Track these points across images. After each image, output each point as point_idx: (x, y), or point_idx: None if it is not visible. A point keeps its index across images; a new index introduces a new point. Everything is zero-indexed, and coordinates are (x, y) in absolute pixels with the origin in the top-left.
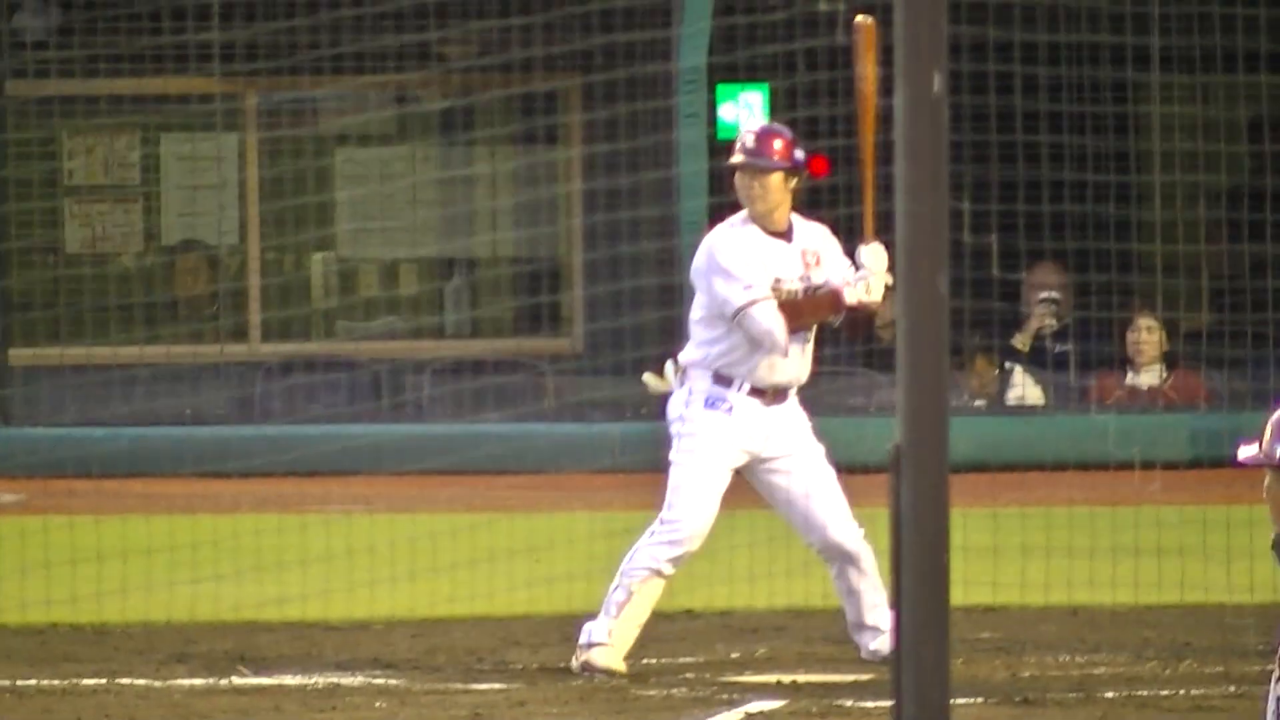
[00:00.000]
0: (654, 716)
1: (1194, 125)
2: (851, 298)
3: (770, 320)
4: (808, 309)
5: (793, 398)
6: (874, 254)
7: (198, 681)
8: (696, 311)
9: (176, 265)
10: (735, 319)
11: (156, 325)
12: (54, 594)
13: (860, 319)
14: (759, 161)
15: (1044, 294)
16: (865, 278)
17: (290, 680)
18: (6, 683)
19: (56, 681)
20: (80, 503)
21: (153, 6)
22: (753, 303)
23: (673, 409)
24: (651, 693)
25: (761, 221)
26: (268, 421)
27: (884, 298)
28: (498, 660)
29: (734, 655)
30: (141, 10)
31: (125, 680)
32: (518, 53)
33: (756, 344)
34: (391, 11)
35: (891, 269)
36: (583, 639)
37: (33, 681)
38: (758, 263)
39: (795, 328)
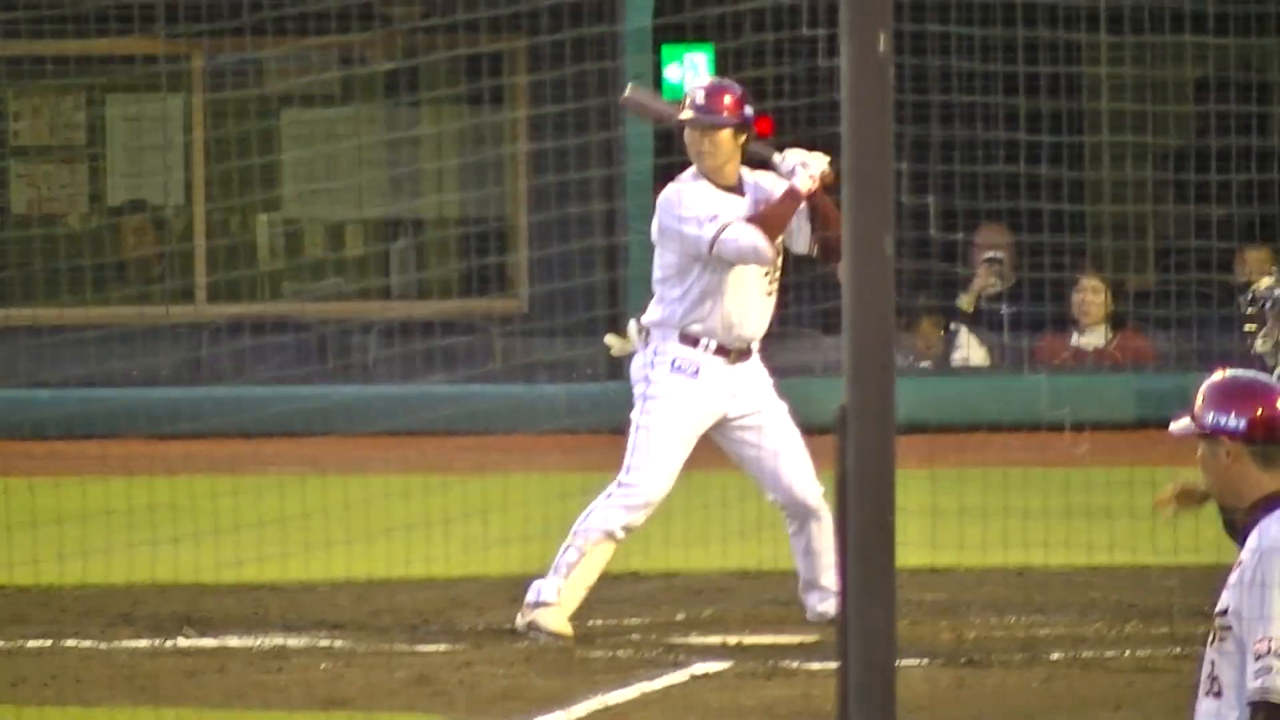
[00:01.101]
0: (600, 678)
1: (1140, 86)
2: (803, 184)
3: (747, 235)
4: (773, 214)
5: (755, 356)
6: (794, 153)
7: (143, 643)
8: (658, 271)
9: (122, 226)
10: (712, 251)
11: (103, 287)
12: None
13: (831, 236)
14: (709, 118)
15: (988, 254)
16: (800, 164)
17: (236, 642)
18: None
19: (2, 643)
20: (27, 465)
21: None
22: (723, 228)
23: (636, 370)
24: (597, 654)
25: (712, 176)
26: (215, 383)
27: (824, 178)
28: (444, 622)
29: (680, 617)
30: None
31: (71, 642)
32: (463, 14)
33: (744, 262)
34: None
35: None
36: (530, 598)
37: None
38: (716, 204)
39: (771, 235)
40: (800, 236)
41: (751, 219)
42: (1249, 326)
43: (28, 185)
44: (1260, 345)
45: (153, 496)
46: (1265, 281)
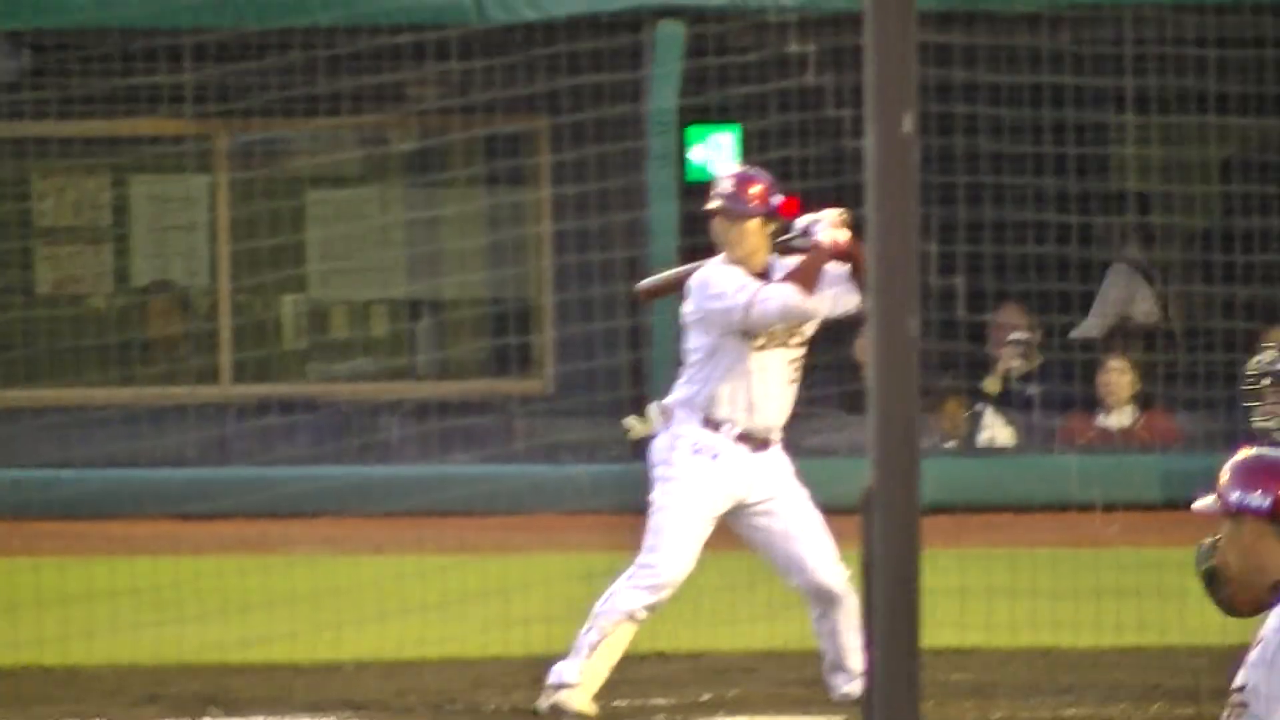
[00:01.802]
0: None
1: (1167, 166)
2: (825, 237)
3: (781, 292)
4: (803, 268)
5: (777, 445)
6: (808, 218)
7: None
8: (692, 356)
9: (147, 306)
10: (748, 316)
11: (128, 366)
12: (22, 636)
13: (856, 262)
14: (737, 208)
15: (1014, 335)
16: (817, 222)
17: None
18: None
19: None
20: (54, 544)
21: (124, 48)
22: (756, 292)
23: (656, 452)
24: None
25: (741, 265)
26: (238, 463)
27: (846, 226)
28: (468, 702)
29: (705, 697)
30: (112, 52)
31: None
32: (485, 94)
33: (785, 320)
34: (361, 53)
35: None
36: (552, 679)
37: None
38: (750, 283)
39: (806, 289)
40: (847, 297)
41: (784, 278)
42: (1247, 403)
43: (53, 266)
44: (1259, 422)
45: (178, 576)
46: (1264, 356)
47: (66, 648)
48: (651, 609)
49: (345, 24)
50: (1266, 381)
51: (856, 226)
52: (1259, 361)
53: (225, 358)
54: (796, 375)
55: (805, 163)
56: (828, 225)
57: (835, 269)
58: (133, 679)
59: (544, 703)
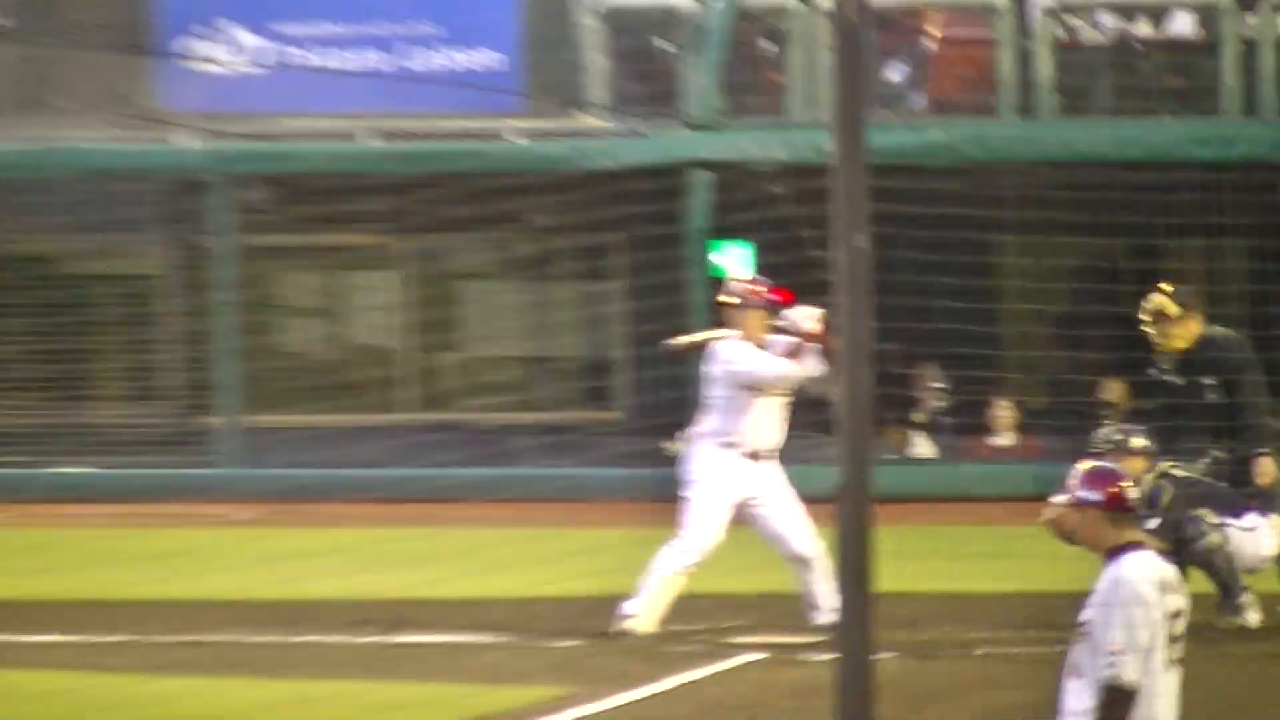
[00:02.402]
0: (675, 664)
1: (1037, 271)
2: (806, 326)
3: (775, 365)
4: (790, 351)
5: (772, 459)
6: (794, 311)
7: None
8: (713, 399)
9: (354, 359)
10: (754, 379)
11: (342, 399)
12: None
13: (825, 343)
14: (746, 301)
15: (933, 384)
16: (801, 316)
17: None
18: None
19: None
20: (305, 517)
21: (335, 184)
22: (759, 363)
23: (688, 463)
24: (673, 649)
25: (748, 341)
26: (413, 465)
27: (820, 321)
28: (574, 625)
29: (730, 624)
30: (327, 186)
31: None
32: (580, 216)
33: (780, 383)
34: (494, 187)
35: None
36: (622, 612)
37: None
38: (753, 354)
39: (793, 363)
40: (818, 366)
41: (780, 356)
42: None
43: (293, 332)
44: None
45: (375, 539)
46: (1105, 430)
47: (353, 582)
48: (689, 566)
49: (483, 169)
50: (1109, 447)
51: (826, 318)
52: (1103, 435)
53: (406, 394)
54: (785, 413)
55: (792, 267)
56: (808, 318)
57: (810, 346)
58: (377, 610)
59: (615, 627)
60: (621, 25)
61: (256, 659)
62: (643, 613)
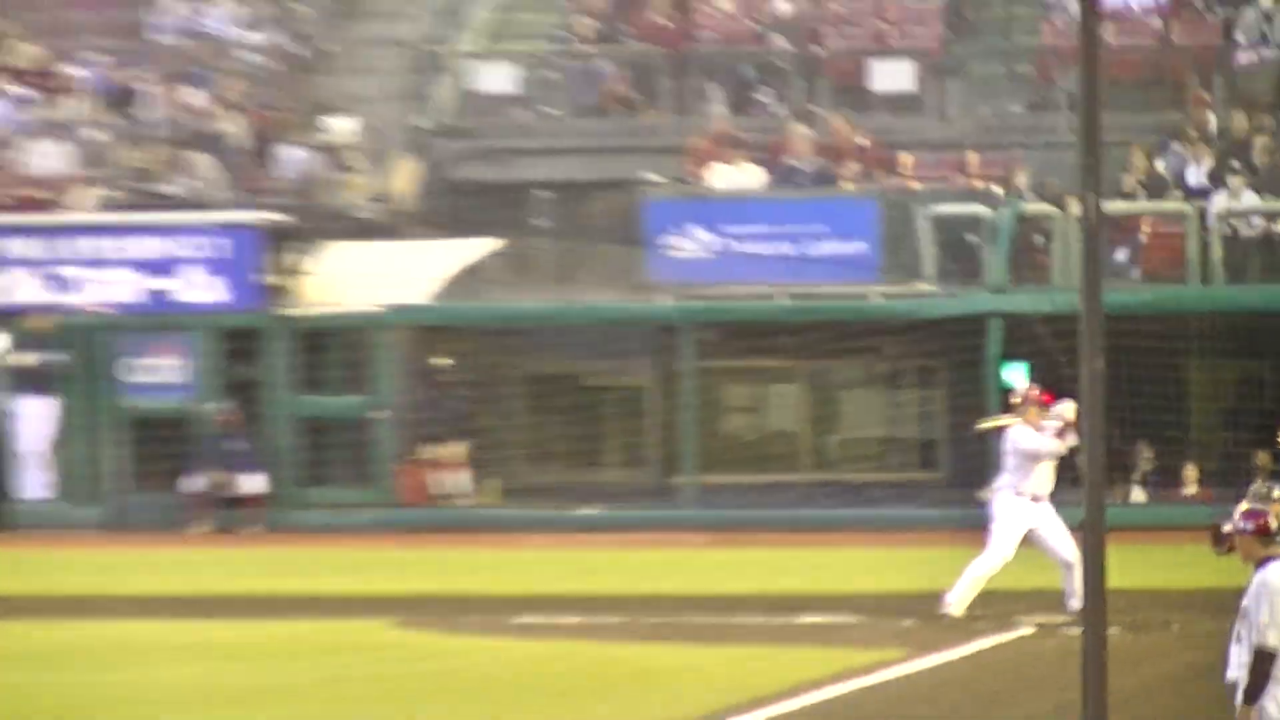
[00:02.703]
0: (974, 635)
1: (1210, 381)
2: (1069, 415)
3: (1050, 444)
4: (1059, 430)
5: (1046, 500)
6: (1058, 406)
7: None
8: (1008, 462)
9: (771, 439)
10: (1038, 453)
11: (763, 464)
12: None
13: (1076, 426)
14: (1025, 405)
15: (1144, 454)
16: (1062, 410)
17: None
18: None
19: None
20: (736, 542)
21: (759, 328)
22: (1041, 442)
23: (993, 506)
24: (974, 625)
25: (1030, 425)
26: (808, 508)
27: (1074, 413)
28: (900, 614)
29: (1012, 609)
30: (754, 329)
31: None
32: (917, 347)
33: (1053, 455)
34: (863, 330)
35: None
36: (944, 600)
37: None
38: (1035, 435)
39: (1061, 442)
40: (1073, 441)
41: (1051, 436)
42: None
43: (732, 421)
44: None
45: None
46: (1253, 487)
47: (769, 583)
48: (991, 571)
49: (854, 318)
50: (1258, 495)
51: (1076, 411)
52: (1254, 489)
53: (804, 461)
54: (1053, 471)
55: (1054, 379)
56: (1067, 410)
57: (1069, 429)
58: (784, 601)
59: (940, 610)
60: (943, 224)
61: (699, 633)
62: (957, 601)
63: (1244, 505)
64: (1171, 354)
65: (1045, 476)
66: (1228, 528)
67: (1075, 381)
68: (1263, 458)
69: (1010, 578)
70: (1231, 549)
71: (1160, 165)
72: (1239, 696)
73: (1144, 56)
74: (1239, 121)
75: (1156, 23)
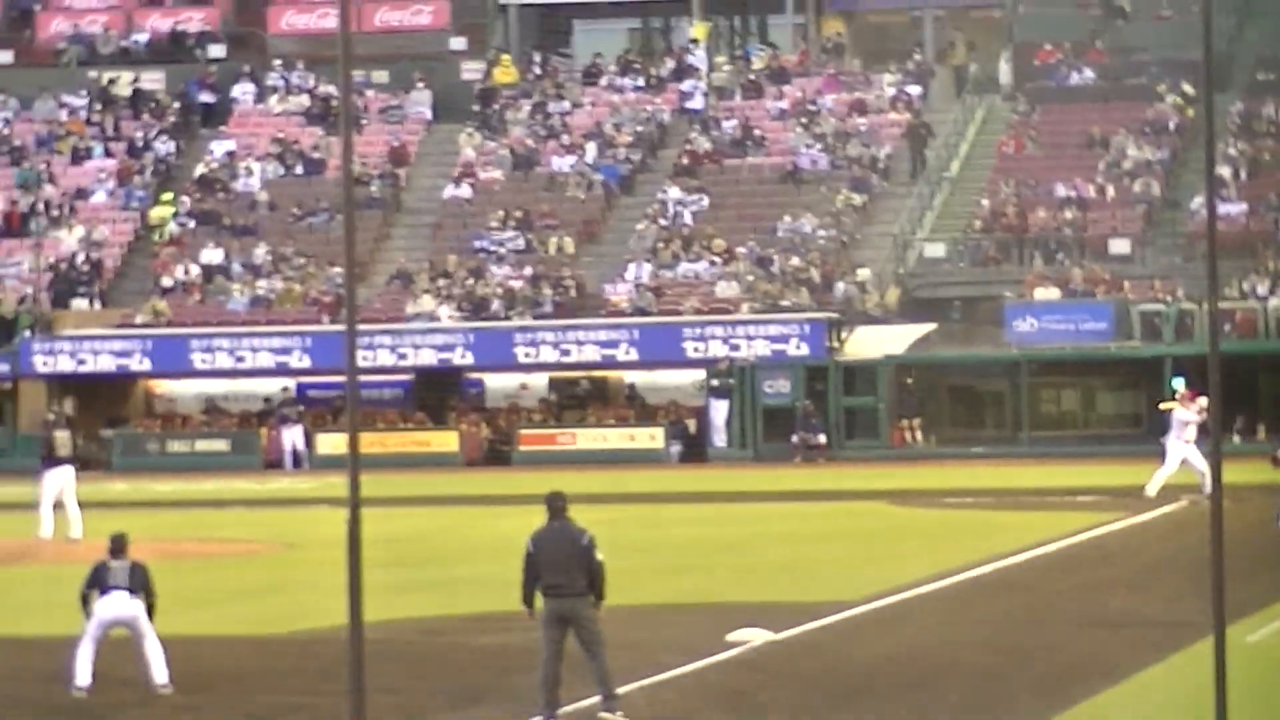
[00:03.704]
0: (1159, 504)
1: None
2: (1204, 403)
3: (1192, 416)
4: (1201, 415)
5: (1192, 444)
6: (1202, 399)
7: None
8: (1174, 424)
9: None
10: (1190, 421)
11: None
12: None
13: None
14: (1183, 397)
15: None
16: (1201, 402)
17: None
18: None
19: None
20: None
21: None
22: (1190, 416)
23: (1166, 444)
24: (1159, 500)
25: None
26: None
27: (1207, 403)
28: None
29: (1179, 493)
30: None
31: None
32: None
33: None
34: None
35: None
36: (1147, 488)
37: None
38: (1187, 414)
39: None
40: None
41: (1195, 414)
42: None
43: None
44: None
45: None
46: None
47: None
48: (1167, 474)
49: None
50: None
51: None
52: None
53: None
54: (1196, 430)
55: (1200, 386)
56: (1203, 401)
57: (1203, 410)
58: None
59: (1146, 494)
60: (1142, 315)
61: (1031, 505)
62: (1152, 490)
63: None
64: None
65: (1191, 433)
66: (1278, 454)
67: (1206, 386)
68: None
69: (1173, 479)
70: (1278, 465)
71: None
72: None
73: None
74: None
75: None
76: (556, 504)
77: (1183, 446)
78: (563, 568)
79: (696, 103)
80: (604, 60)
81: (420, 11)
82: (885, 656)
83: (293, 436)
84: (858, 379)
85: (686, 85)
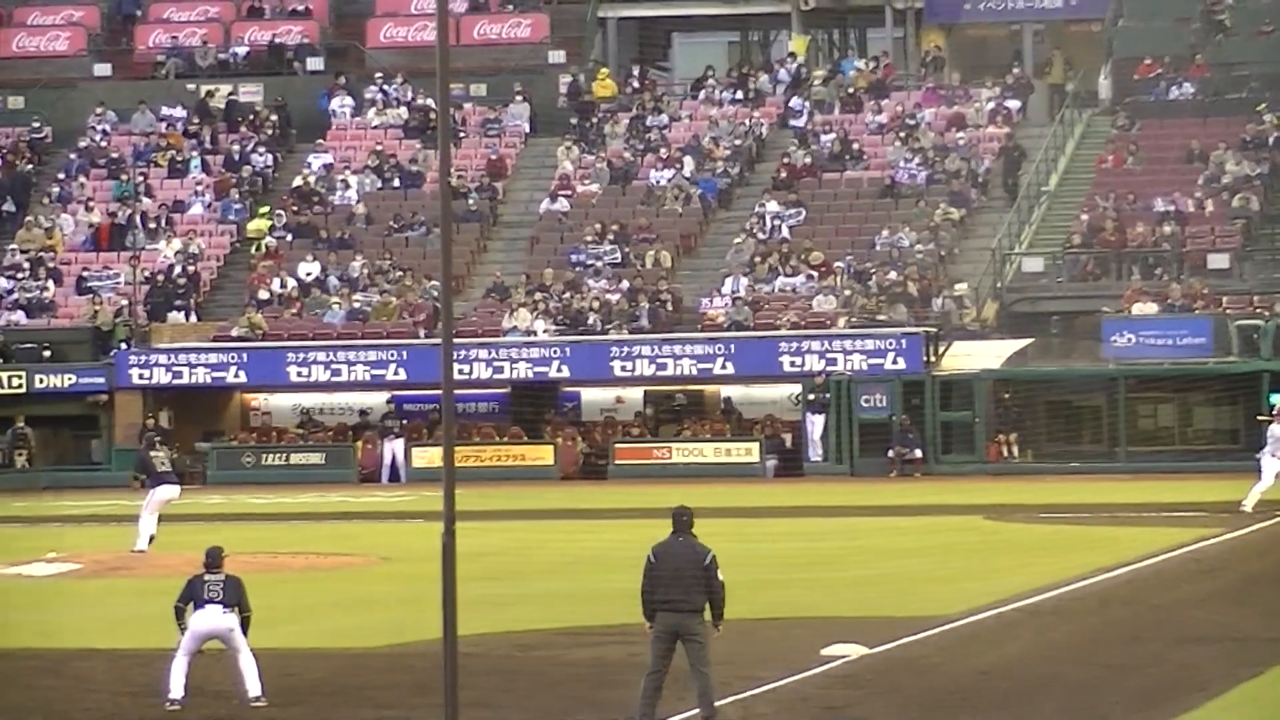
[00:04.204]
0: (1256, 520)
1: None
2: None
3: None
4: None
5: None
6: None
7: None
8: (1271, 437)
9: None
10: None
11: None
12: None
13: None
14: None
15: None
16: None
17: None
18: None
19: None
20: None
21: None
22: None
23: (1261, 459)
24: (1255, 516)
25: None
26: None
27: None
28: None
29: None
30: None
31: None
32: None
33: None
34: None
35: None
36: (1244, 503)
37: None
38: None
39: None
40: None
41: None
42: None
43: None
44: None
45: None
46: None
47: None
48: (1264, 488)
49: None
50: None
51: None
52: None
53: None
54: None
55: None
56: None
57: None
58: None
59: (1242, 508)
60: (1241, 330)
61: (1125, 520)
62: (1249, 504)
63: None
64: None
65: None
66: None
67: None
68: None
69: (1270, 493)
70: None
71: None
72: None
73: None
74: None
75: None
76: (682, 518)
77: (1276, 460)
78: (681, 583)
79: (795, 116)
80: (708, 73)
81: (519, 24)
82: (982, 671)
83: (393, 449)
84: (954, 393)
85: (786, 98)
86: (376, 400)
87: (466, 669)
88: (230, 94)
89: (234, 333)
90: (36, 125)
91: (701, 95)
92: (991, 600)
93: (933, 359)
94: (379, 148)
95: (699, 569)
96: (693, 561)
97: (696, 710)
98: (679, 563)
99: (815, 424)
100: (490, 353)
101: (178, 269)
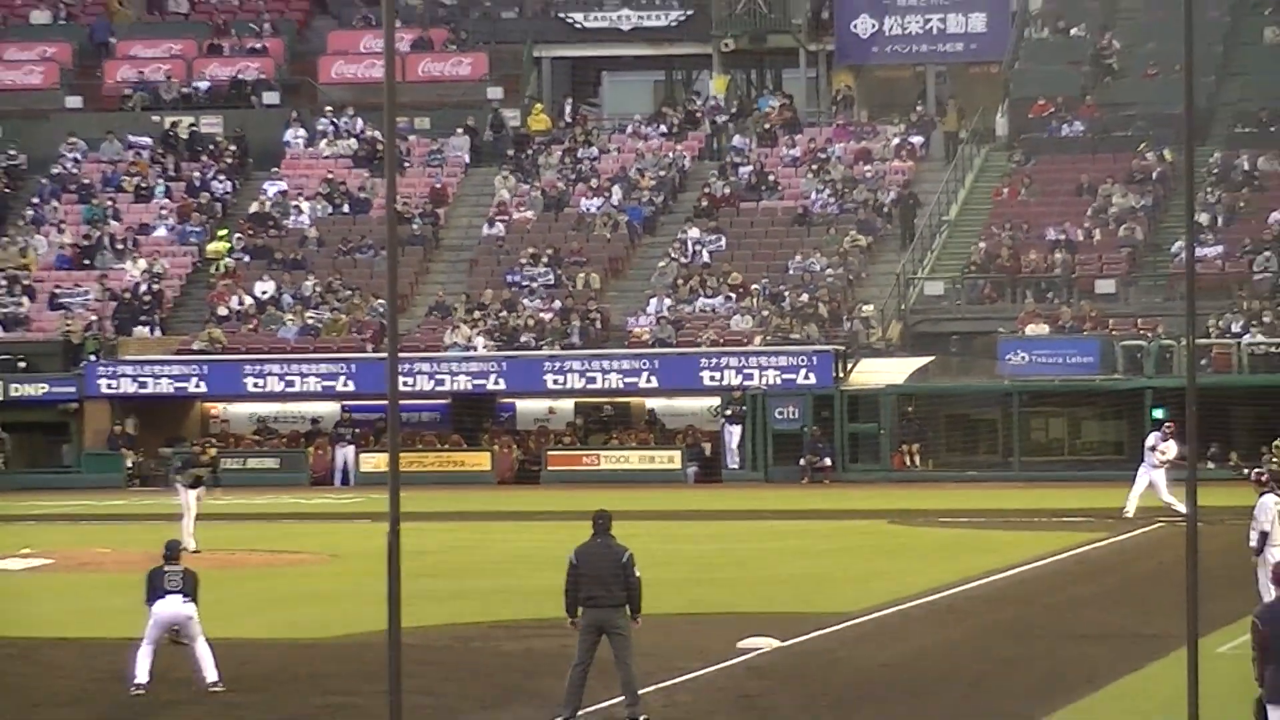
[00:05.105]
0: (1136, 526)
1: None
2: (1173, 450)
3: (1171, 448)
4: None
5: (1166, 468)
6: (1173, 444)
7: None
8: (1151, 450)
9: None
10: (1168, 451)
11: None
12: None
13: None
14: (1162, 428)
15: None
16: (1171, 443)
17: None
18: None
19: None
20: None
21: None
22: (1169, 448)
23: (1140, 470)
24: (1135, 521)
25: None
26: None
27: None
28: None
29: (1152, 515)
30: None
31: None
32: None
33: None
34: None
35: None
36: (1125, 508)
37: None
38: (1165, 443)
39: None
40: None
41: (1174, 443)
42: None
43: None
44: None
45: None
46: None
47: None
48: (1139, 493)
49: None
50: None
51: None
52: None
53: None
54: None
55: (1179, 418)
56: (1172, 447)
57: (1178, 439)
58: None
59: (1124, 513)
60: (1126, 350)
61: (1016, 525)
62: (1129, 508)
63: (1257, 469)
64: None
65: (1169, 456)
66: (1250, 475)
67: (1184, 416)
68: (1272, 449)
69: (1146, 500)
70: (1259, 485)
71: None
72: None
73: None
74: None
75: None
76: (601, 521)
77: (1151, 470)
78: (602, 581)
79: (714, 150)
80: (631, 110)
81: (461, 63)
82: (885, 664)
83: (345, 454)
84: (861, 407)
85: (706, 133)
86: (327, 409)
87: (410, 658)
88: (192, 125)
89: (195, 346)
90: (12, 153)
91: (629, 130)
92: (895, 598)
93: (842, 375)
94: (330, 176)
95: (618, 566)
96: (612, 560)
97: (621, 698)
98: (600, 562)
99: (733, 434)
100: (432, 366)
101: (143, 287)
